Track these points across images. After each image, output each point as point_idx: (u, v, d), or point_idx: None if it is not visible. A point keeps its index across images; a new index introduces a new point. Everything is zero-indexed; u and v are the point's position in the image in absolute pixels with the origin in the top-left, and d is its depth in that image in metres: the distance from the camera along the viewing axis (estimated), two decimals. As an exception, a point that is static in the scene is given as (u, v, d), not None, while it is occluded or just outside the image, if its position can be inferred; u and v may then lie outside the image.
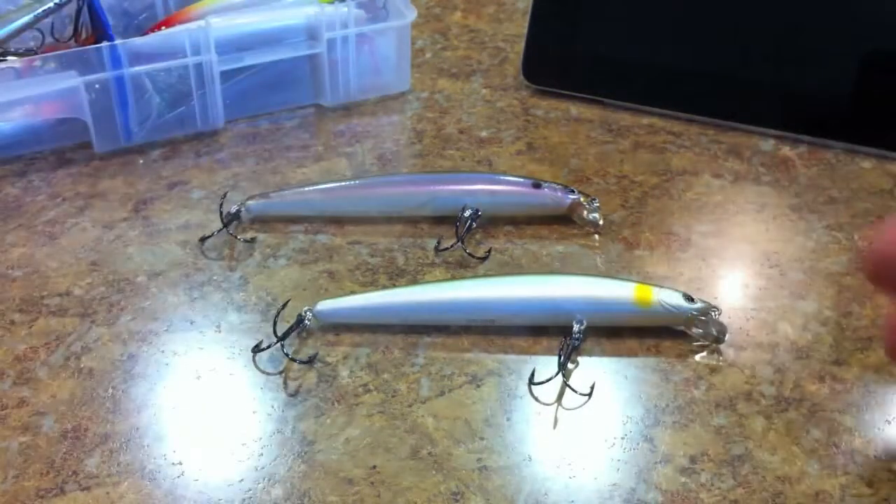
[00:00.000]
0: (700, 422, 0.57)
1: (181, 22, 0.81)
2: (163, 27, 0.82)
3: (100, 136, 0.77)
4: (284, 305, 0.63)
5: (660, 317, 0.62)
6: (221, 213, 0.70)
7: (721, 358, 0.61)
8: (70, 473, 0.54)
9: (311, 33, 0.81)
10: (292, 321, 0.62)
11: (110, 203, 0.74)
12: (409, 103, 0.85)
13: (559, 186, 0.71)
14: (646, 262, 0.68)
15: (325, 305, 0.63)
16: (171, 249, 0.69)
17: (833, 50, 0.78)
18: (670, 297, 0.61)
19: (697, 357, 0.61)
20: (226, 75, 0.79)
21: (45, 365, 0.61)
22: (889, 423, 0.57)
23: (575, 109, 0.84)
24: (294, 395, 0.59)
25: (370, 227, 0.71)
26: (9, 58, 0.78)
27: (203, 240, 0.70)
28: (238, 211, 0.71)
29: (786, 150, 0.79)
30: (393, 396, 0.59)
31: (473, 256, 0.68)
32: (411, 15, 0.82)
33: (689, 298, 0.62)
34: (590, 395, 0.58)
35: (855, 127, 0.78)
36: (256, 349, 0.61)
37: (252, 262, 0.68)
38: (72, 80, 0.74)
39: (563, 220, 0.71)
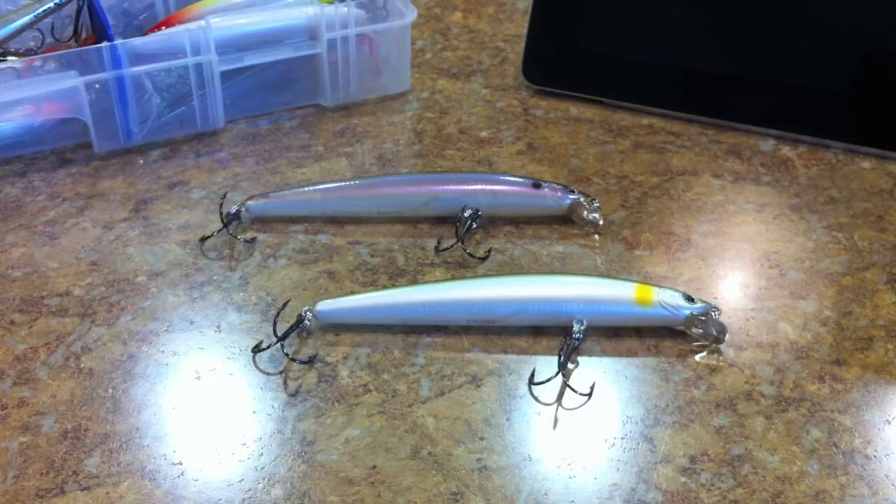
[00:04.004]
0: (700, 422, 0.57)
1: (181, 22, 0.81)
2: (163, 27, 0.82)
3: (100, 136, 0.77)
4: (284, 305, 0.63)
5: (660, 317, 0.62)
6: (221, 213, 0.70)
7: (721, 358, 0.61)
8: (70, 473, 0.54)
9: (312, 33, 0.81)
10: (292, 321, 0.62)
11: (110, 203, 0.74)
12: (409, 103, 0.85)
13: (559, 186, 0.71)
14: (646, 262, 0.68)
15: (325, 305, 0.63)
16: (171, 249, 0.69)
17: (833, 50, 0.78)
18: (670, 297, 0.61)
19: (697, 357, 0.61)
20: (226, 75, 0.79)
21: (45, 365, 0.61)
22: (889, 423, 0.57)
23: (575, 109, 0.84)
24: (294, 395, 0.59)
25: (370, 227, 0.71)
26: (9, 58, 0.78)
27: (203, 240, 0.70)
28: (238, 211, 0.71)
29: (786, 150, 0.79)
30: (393, 396, 0.59)
31: (473, 256, 0.68)
32: (411, 15, 0.82)
33: (690, 298, 0.62)
34: (590, 395, 0.58)
35: (855, 127, 0.78)
36: (256, 349, 0.61)
37: (252, 262, 0.68)
38: (72, 80, 0.74)
39: (563, 220, 0.71)
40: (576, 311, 0.61)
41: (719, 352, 0.61)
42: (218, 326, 0.63)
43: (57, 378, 0.60)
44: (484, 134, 0.81)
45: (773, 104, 0.80)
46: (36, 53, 0.79)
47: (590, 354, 0.61)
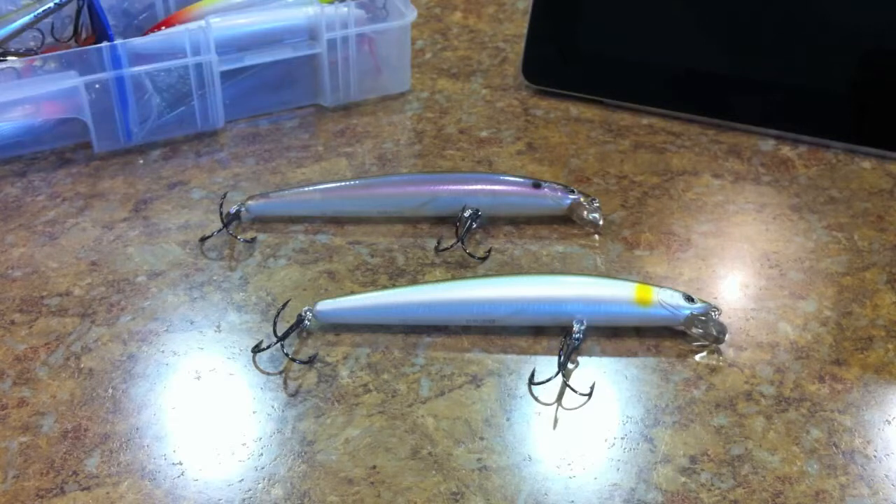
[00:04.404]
0: (700, 422, 0.57)
1: (181, 22, 0.81)
2: (163, 27, 0.82)
3: (100, 136, 0.77)
4: (284, 305, 0.63)
5: (660, 317, 0.62)
6: (221, 213, 0.70)
7: (721, 358, 0.61)
8: (70, 473, 0.54)
9: (312, 33, 0.81)
10: (292, 321, 0.62)
11: (110, 203, 0.74)
12: (409, 103, 0.85)
13: (559, 186, 0.71)
14: (646, 262, 0.68)
15: (325, 305, 0.63)
16: (171, 249, 0.69)
17: (833, 50, 0.78)
18: (670, 297, 0.61)
19: (697, 357, 0.61)
20: (226, 75, 0.79)
21: (45, 365, 0.61)
22: (889, 423, 0.57)
23: (575, 109, 0.84)
24: (294, 395, 0.59)
25: (370, 227, 0.71)
26: (9, 58, 0.78)
27: (203, 240, 0.70)
28: (238, 211, 0.71)
29: (786, 150, 0.79)
30: (393, 396, 0.59)
31: (473, 256, 0.68)
32: (411, 15, 0.82)
33: (690, 298, 0.62)
34: (590, 395, 0.58)
35: (855, 127, 0.78)
36: (256, 349, 0.61)
37: (252, 262, 0.68)
38: (72, 80, 0.74)
39: (563, 220, 0.71)
40: (576, 311, 0.61)
41: (719, 352, 0.61)
42: (218, 326, 0.63)
43: (57, 378, 0.60)
44: (484, 134, 0.81)
45: (773, 104, 0.80)
46: (36, 53, 0.79)
47: (590, 354, 0.61)
